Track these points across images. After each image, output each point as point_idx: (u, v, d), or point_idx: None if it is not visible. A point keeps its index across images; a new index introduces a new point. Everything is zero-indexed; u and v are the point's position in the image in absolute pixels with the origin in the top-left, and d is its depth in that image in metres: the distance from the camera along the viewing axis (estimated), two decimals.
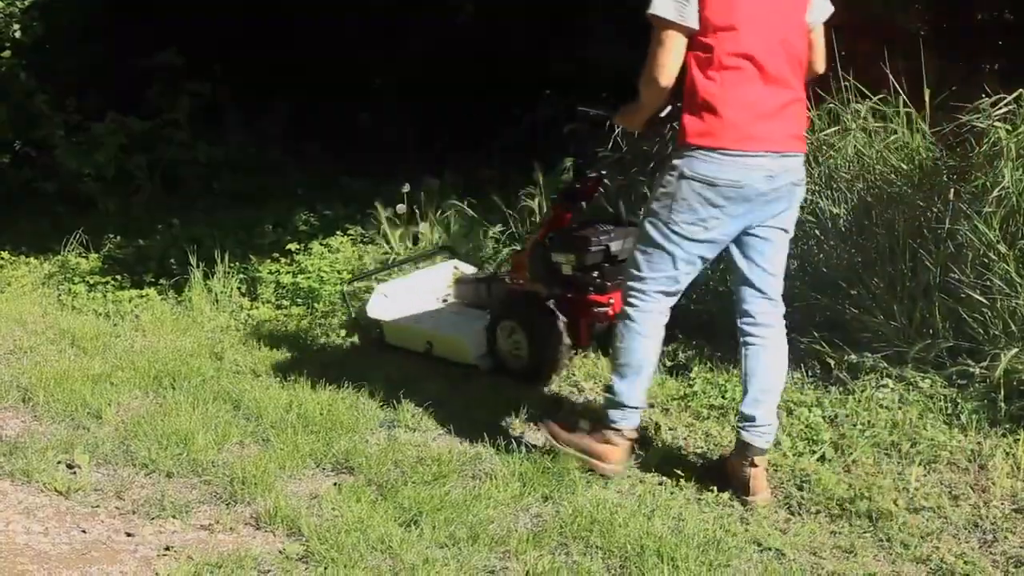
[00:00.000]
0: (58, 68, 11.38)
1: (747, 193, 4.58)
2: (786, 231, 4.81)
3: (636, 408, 4.90)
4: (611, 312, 5.79)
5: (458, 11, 13.31)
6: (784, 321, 4.93)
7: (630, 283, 4.88)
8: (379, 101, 13.11)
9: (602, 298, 5.92)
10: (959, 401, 5.28)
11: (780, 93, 4.63)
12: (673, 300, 4.91)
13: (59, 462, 5.17)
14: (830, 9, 4.82)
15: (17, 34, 10.91)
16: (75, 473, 5.06)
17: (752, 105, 4.56)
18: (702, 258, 4.78)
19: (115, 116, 10.97)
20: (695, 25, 4.53)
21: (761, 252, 4.78)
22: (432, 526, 4.41)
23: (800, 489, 4.70)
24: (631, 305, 4.86)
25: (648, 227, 4.76)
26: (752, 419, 4.71)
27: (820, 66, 4.94)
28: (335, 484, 4.90)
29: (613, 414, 4.90)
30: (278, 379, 6.31)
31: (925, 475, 4.78)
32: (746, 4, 4.53)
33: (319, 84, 12.82)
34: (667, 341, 6.27)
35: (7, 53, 11.01)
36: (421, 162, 11.05)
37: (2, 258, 9.49)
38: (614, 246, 5.94)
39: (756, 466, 4.68)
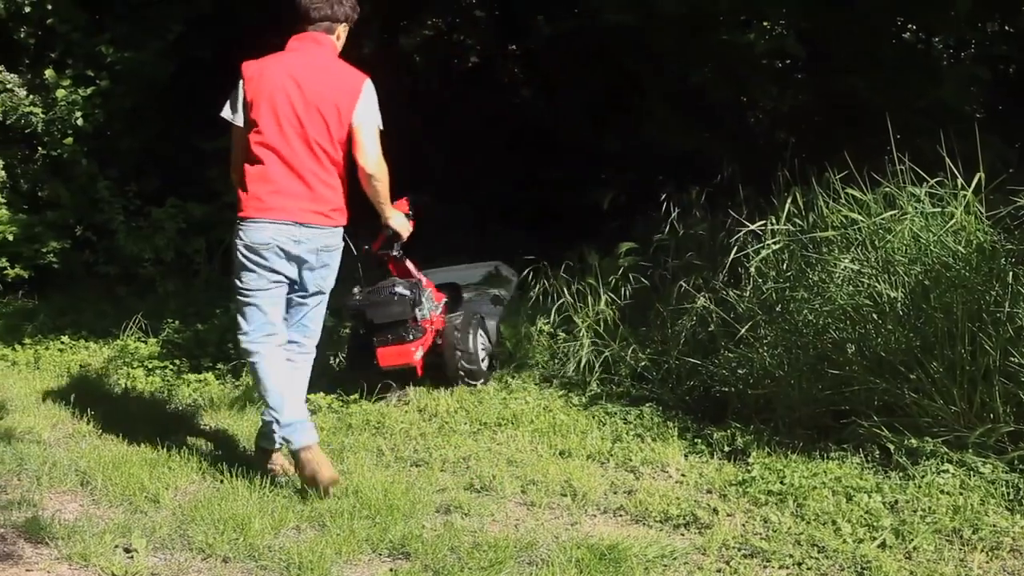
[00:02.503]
0: (119, 153, 11.54)
1: (277, 251, 5.94)
2: (322, 292, 6.20)
3: (300, 419, 5.95)
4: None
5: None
6: (313, 354, 6.32)
7: (239, 337, 6.15)
8: (436, 181, 13.22)
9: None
10: (1021, 486, 5.22)
11: (299, 178, 5.96)
12: (279, 336, 6.13)
13: (116, 546, 5.17)
14: (372, 119, 6.07)
15: (79, 121, 11.06)
16: (132, 557, 5.06)
17: (270, 183, 5.94)
18: (275, 297, 6.08)
19: (175, 201, 11.11)
20: (242, 124, 6.04)
21: (300, 311, 6.19)
22: None
23: None
24: (249, 356, 6.10)
25: (234, 292, 6.11)
26: (285, 422, 5.92)
27: (362, 162, 6.05)
28: (391, 570, 4.88)
29: (286, 435, 5.92)
30: (334, 463, 6.31)
31: (988, 562, 4.71)
32: (269, 109, 5.95)
33: None
34: (724, 427, 6.29)
35: (69, 140, 11.17)
36: (477, 247, 11.12)
37: (63, 342, 9.57)
38: (369, 312, 7.51)
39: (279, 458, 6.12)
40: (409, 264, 7.77)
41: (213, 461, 6.34)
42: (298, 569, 4.83)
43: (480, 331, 8.04)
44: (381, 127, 6.13)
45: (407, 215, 6.95)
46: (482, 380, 7.83)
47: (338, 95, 6.01)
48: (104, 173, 11.33)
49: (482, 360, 7.92)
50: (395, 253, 7.01)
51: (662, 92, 10.38)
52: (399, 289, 7.51)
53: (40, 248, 11.24)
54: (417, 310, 7.55)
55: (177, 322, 9.49)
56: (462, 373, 7.76)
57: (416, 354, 7.52)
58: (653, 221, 8.41)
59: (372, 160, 6.04)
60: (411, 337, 7.47)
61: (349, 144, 6.06)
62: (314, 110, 5.97)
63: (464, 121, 13.73)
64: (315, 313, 6.26)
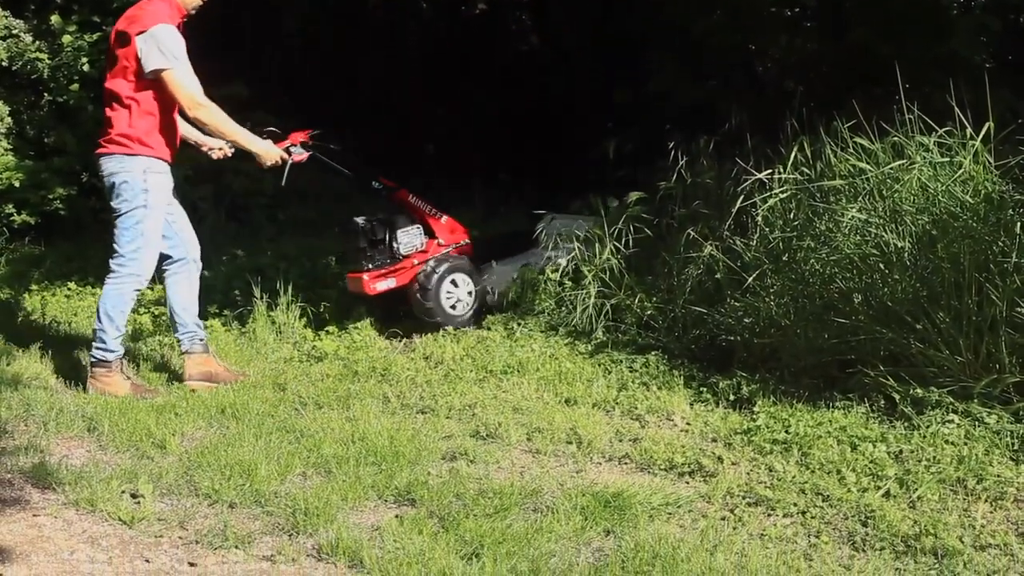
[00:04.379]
0: None
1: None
2: (116, 213, 6.83)
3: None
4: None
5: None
6: (122, 277, 6.83)
7: None
8: (444, 130, 13.20)
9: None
10: None
11: (105, 115, 6.86)
12: None
13: (123, 492, 5.21)
14: (151, 64, 6.62)
15: (85, 67, 11.02)
16: (139, 503, 5.09)
17: None
18: None
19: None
20: None
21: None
22: (493, 559, 4.40)
23: (864, 525, 4.65)
24: None
25: None
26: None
27: (186, 109, 6.76)
28: (397, 516, 4.90)
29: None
30: (341, 410, 6.34)
31: (991, 512, 4.72)
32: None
33: (384, 113, 12.91)
34: (730, 376, 6.29)
35: (75, 86, 11.12)
36: (486, 198, 11.13)
37: (69, 288, 9.58)
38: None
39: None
40: (413, 199, 8.11)
41: (219, 407, 6.36)
42: (304, 515, 4.85)
43: (460, 276, 8.10)
44: (170, 68, 6.67)
45: (299, 146, 7.50)
46: (441, 322, 7.97)
47: (127, 37, 6.70)
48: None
49: (451, 306, 8.02)
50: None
51: (670, 41, 10.32)
52: (355, 220, 7.95)
53: (46, 195, 11.23)
54: (396, 245, 7.89)
55: None
56: (417, 310, 7.98)
57: (372, 285, 7.85)
58: (660, 170, 8.37)
59: (188, 104, 6.72)
60: (369, 267, 7.86)
61: (151, 84, 6.73)
62: (115, 53, 6.80)
63: (472, 70, 13.68)
64: (116, 234, 6.87)
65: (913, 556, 4.39)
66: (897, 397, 5.67)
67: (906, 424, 5.51)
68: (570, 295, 7.78)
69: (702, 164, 8.29)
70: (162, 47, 6.62)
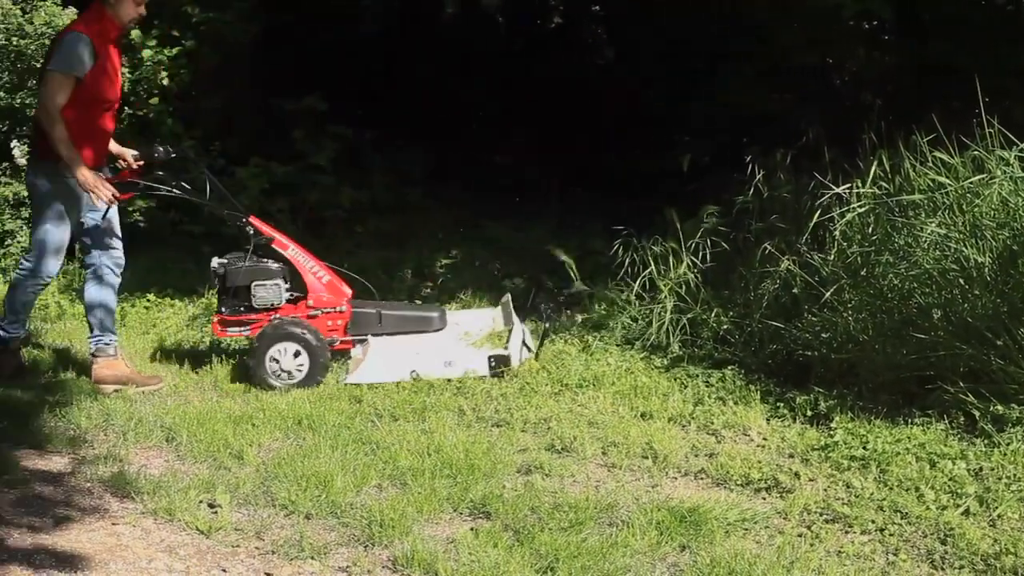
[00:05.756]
0: (203, 112, 11.58)
1: None
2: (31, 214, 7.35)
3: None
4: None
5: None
6: (20, 267, 7.24)
7: None
8: (518, 143, 13.22)
9: None
10: None
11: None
12: None
13: (201, 501, 5.25)
14: (54, 66, 6.78)
15: (165, 81, 11.13)
16: (216, 512, 5.13)
17: None
18: None
19: (258, 160, 11.12)
20: None
21: None
22: (568, 574, 4.40)
23: (943, 543, 4.60)
24: None
25: None
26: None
27: (39, 107, 6.93)
28: (472, 529, 4.90)
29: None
30: (416, 422, 6.35)
31: None
32: None
33: (459, 126, 12.96)
34: (807, 391, 6.25)
35: (155, 100, 11.23)
36: (559, 211, 11.13)
37: (149, 300, 9.65)
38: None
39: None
40: (292, 252, 7.67)
41: (296, 419, 6.39)
42: (379, 527, 4.87)
43: (299, 348, 7.30)
44: (75, 75, 6.75)
45: (130, 185, 7.45)
46: (259, 385, 7.24)
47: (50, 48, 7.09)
48: (188, 133, 11.39)
49: (274, 373, 7.27)
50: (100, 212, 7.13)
51: (747, 53, 10.29)
52: (213, 262, 7.63)
53: (126, 207, 11.31)
54: (251, 296, 7.47)
55: None
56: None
57: (221, 328, 7.55)
58: (737, 183, 8.34)
59: (43, 105, 6.81)
60: (221, 310, 7.56)
61: (74, 92, 6.79)
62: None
63: (547, 83, 13.70)
64: (30, 232, 7.38)
65: (993, 575, 4.34)
66: (977, 414, 5.62)
67: (986, 441, 5.45)
68: (646, 309, 7.76)
69: (779, 178, 8.25)
70: (65, 51, 6.81)
